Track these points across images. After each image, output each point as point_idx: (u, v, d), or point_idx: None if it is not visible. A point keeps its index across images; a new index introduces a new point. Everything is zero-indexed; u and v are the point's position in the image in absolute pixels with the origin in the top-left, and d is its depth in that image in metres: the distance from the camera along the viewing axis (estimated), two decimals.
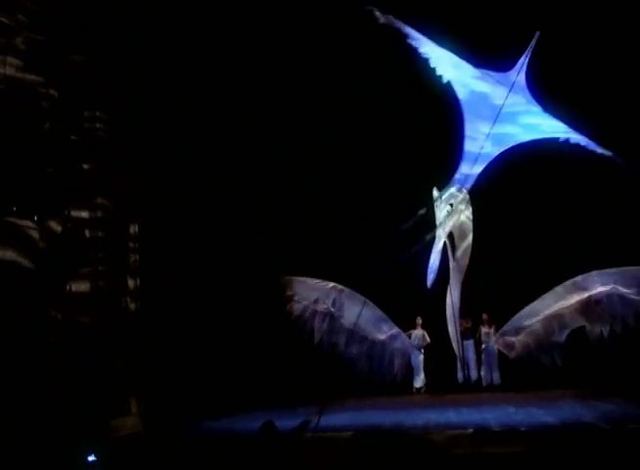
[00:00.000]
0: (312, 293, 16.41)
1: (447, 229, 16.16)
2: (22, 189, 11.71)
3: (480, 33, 15.19)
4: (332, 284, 16.39)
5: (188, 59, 14.58)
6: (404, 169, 15.83)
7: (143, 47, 13.72)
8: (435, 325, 16.11)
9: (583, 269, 15.31)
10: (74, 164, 12.50)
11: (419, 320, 16.28)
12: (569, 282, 15.48)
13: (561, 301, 15.51)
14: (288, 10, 15.19)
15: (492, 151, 16.32)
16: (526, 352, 15.61)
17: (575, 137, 15.79)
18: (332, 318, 16.38)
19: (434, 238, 16.24)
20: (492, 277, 15.58)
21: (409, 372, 16.25)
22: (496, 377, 15.80)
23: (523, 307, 15.73)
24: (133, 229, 13.61)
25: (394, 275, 15.88)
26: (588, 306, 15.32)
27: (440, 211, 16.30)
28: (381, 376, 16.23)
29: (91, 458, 8.66)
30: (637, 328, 14.89)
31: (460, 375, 15.97)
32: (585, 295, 15.36)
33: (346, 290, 16.38)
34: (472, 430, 10.12)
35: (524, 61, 15.92)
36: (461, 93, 16.44)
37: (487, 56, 15.94)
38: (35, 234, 11.71)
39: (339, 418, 11.93)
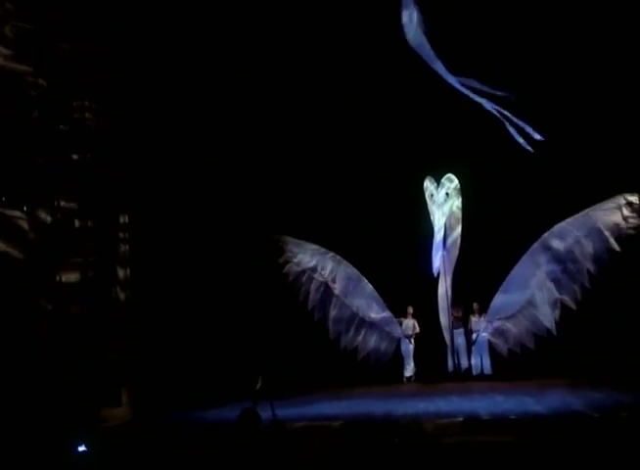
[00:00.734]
0: (311, 259, 16.46)
1: (445, 217, 16.10)
2: (12, 179, 11.68)
3: None
4: (331, 253, 16.45)
5: (176, 47, 14.49)
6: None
7: (132, 36, 13.66)
8: (426, 314, 16.13)
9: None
10: (64, 154, 12.46)
11: (410, 310, 16.31)
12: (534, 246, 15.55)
13: (533, 267, 15.59)
14: None
15: None
16: (517, 339, 15.67)
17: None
18: (326, 289, 16.45)
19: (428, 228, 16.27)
20: (483, 267, 15.65)
21: (396, 358, 16.27)
22: (487, 366, 15.84)
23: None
24: (123, 219, 13.59)
25: (388, 262, 16.03)
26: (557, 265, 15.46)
27: (437, 199, 16.22)
28: (366, 356, 16.33)
29: (81, 448, 8.65)
30: (601, 278, 14.96)
31: (450, 364, 16.01)
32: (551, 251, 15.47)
33: (344, 262, 16.44)
34: (462, 419, 10.17)
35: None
36: None
37: None
38: (25, 224, 11.69)
39: (329, 407, 11.95)
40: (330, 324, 16.32)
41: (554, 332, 15.26)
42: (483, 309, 16.00)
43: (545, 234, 15.47)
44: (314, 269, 16.44)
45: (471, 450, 7.89)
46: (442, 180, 16.25)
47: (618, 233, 15.13)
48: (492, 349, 15.87)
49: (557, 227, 15.47)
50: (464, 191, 16.20)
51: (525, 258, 15.56)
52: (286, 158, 15.77)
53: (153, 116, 14.15)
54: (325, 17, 15.02)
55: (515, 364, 15.21)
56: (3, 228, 11.47)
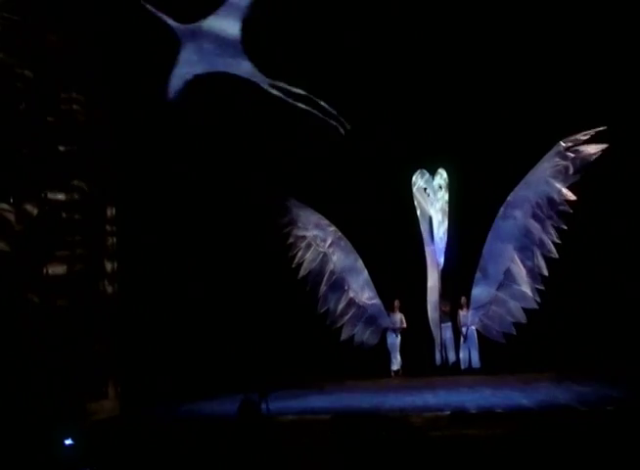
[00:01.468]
0: (314, 228, 16.50)
1: (439, 209, 16.08)
2: None
3: None
4: (334, 227, 16.46)
5: (164, 39, 14.40)
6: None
7: (119, 27, 13.58)
8: (414, 308, 16.15)
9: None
10: (51, 146, 12.38)
11: (397, 303, 16.33)
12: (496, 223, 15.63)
13: (500, 243, 15.63)
14: None
15: None
16: (507, 320, 15.73)
17: None
18: (323, 260, 16.48)
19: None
20: (470, 261, 15.70)
21: (384, 352, 16.27)
22: (475, 360, 15.88)
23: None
24: (110, 212, 13.53)
25: (376, 256, 16.06)
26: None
27: (432, 193, 16.18)
28: (350, 336, 16.36)
29: (68, 442, 8.62)
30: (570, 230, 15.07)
31: (438, 358, 16.04)
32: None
33: (344, 239, 16.46)
34: (449, 412, 10.20)
35: None
36: None
37: None
38: (11, 217, 11.60)
39: (317, 401, 11.97)
40: (320, 298, 16.35)
41: (538, 299, 15.34)
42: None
43: (501, 208, 15.54)
44: (315, 238, 16.47)
45: (458, 444, 7.92)
46: (437, 174, 16.20)
47: (567, 180, 15.19)
48: (486, 339, 15.87)
49: (510, 197, 15.51)
50: (450, 185, 16.21)
51: (489, 238, 15.62)
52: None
53: (140, 107, 14.07)
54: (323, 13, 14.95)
55: (503, 358, 15.25)
56: None
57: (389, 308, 16.36)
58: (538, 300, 15.33)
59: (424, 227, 16.13)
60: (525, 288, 15.44)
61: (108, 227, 13.46)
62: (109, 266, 13.34)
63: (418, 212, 16.22)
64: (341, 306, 16.42)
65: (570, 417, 9.59)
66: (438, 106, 15.39)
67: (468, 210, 15.63)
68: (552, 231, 15.22)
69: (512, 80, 15.00)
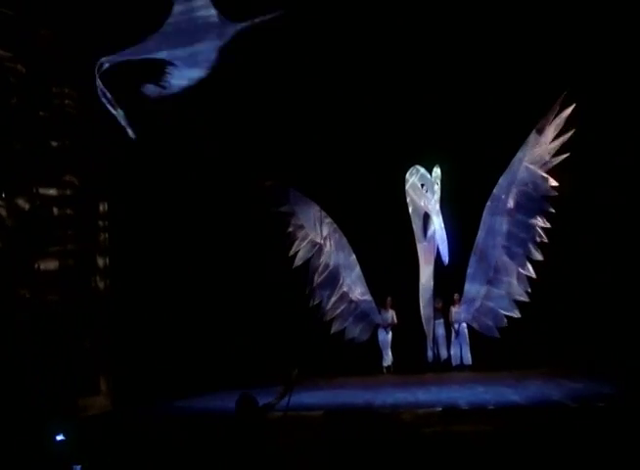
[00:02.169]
0: (312, 220, 16.60)
1: (437, 206, 16.06)
2: None
3: None
4: (329, 219, 16.57)
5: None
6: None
7: (112, 21, 13.49)
8: (406, 305, 16.15)
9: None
10: (43, 141, 12.34)
11: (389, 300, 16.34)
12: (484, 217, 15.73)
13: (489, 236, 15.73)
14: None
15: None
16: (499, 313, 15.77)
17: None
18: (318, 252, 16.57)
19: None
20: (463, 257, 15.71)
21: (376, 349, 16.29)
22: (466, 357, 15.90)
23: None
24: (102, 207, 13.49)
25: (368, 252, 16.09)
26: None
27: (430, 189, 16.14)
28: (340, 330, 16.44)
29: (59, 438, 8.61)
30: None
31: (430, 354, 16.06)
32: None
33: (339, 232, 16.59)
34: (440, 409, 10.22)
35: None
36: None
37: None
38: (3, 212, 11.57)
39: (309, 397, 11.96)
40: (313, 289, 16.44)
41: (528, 289, 15.40)
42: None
43: (488, 202, 15.63)
44: (312, 229, 16.57)
45: (450, 440, 7.94)
46: (433, 171, 16.15)
47: (547, 165, 15.30)
48: (478, 336, 15.89)
49: (495, 190, 15.64)
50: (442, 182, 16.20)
51: (480, 233, 15.74)
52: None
53: (132, 102, 13.99)
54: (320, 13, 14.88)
55: (494, 355, 15.28)
56: None
57: (382, 305, 16.38)
58: (529, 290, 15.39)
59: (416, 224, 16.12)
60: (515, 280, 15.52)
61: (100, 222, 13.42)
62: (101, 262, 13.31)
63: (410, 209, 16.21)
64: (333, 300, 16.53)
65: (561, 414, 9.63)
66: (436, 105, 15.37)
67: (459, 205, 15.66)
68: (539, 216, 15.32)
69: (501, 75, 14.98)
